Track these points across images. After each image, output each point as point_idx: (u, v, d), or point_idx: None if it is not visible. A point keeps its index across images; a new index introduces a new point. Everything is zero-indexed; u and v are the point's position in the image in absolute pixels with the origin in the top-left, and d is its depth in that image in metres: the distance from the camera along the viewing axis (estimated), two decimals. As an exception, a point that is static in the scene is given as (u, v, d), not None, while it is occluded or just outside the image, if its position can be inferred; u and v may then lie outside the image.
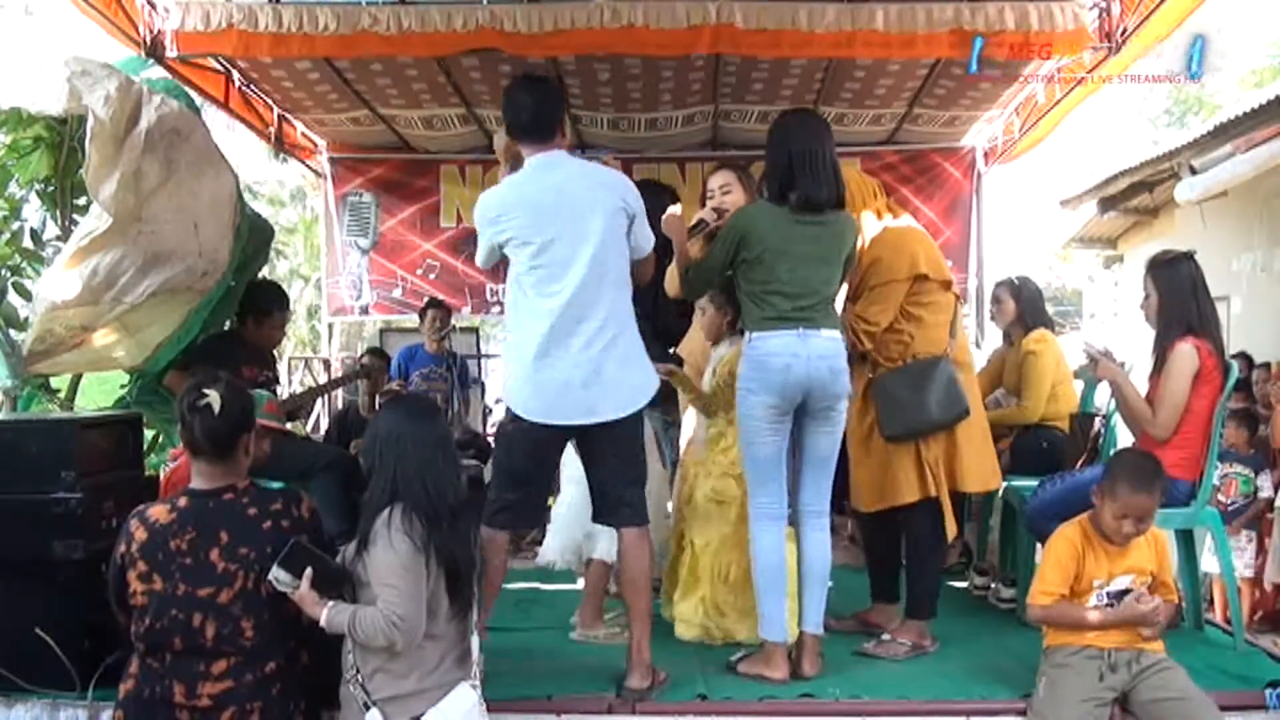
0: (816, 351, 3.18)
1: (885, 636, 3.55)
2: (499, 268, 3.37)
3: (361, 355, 6.18)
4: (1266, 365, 5.90)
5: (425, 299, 6.79)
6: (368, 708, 2.44)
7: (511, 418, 3.14)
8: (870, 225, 3.62)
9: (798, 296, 3.20)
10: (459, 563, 2.53)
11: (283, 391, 5.07)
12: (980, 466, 3.60)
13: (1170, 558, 3.11)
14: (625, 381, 3.09)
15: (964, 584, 4.48)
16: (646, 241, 3.22)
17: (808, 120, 3.51)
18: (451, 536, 2.52)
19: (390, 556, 2.45)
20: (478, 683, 2.58)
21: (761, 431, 3.24)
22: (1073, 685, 2.85)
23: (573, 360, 3.02)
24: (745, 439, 3.31)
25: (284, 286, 6.56)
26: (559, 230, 3.04)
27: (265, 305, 4.49)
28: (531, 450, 3.13)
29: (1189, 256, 3.55)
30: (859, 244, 3.45)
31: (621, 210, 3.10)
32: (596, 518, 3.28)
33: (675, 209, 3.47)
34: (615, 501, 3.18)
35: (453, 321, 6.42)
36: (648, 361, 3.19)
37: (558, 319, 3.02)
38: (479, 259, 3.26)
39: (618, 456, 3.15)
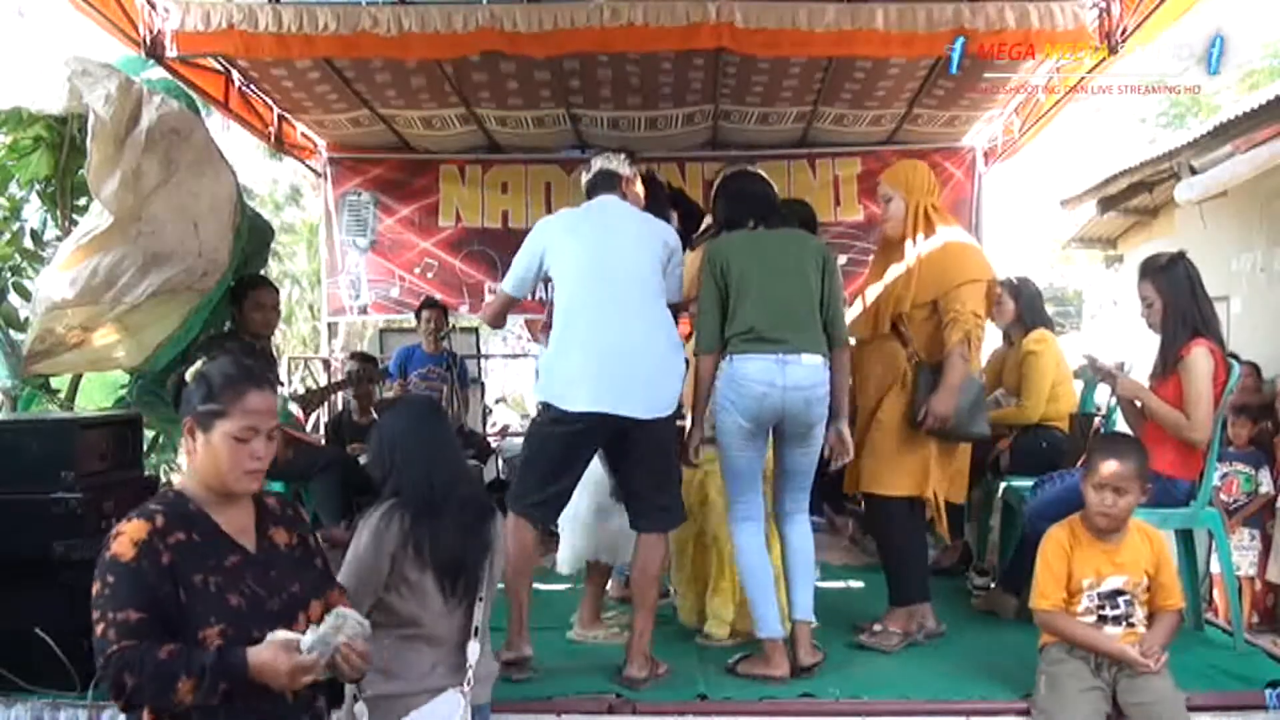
0: (794, 381, 3.19)
1: (877, 627, 3.58)
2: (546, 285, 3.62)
3: (345, 363, 6.10)
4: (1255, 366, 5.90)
5: (422, 298, 6.77)
6: (356, 699, 2.40)
7: (552, 415, 3.18)
8: (932, 221, 3.67)
9: (776, 315, 3.21)
10: (453, 555, 2.46)
11: (283, 391, 5.06)
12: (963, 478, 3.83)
13: (1171, 559, 3.10)
14: (666, 386, 3.22)
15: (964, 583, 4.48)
16: (676, 285, 3.41)
17: (735, 176, 3.63)
18: (446, 528, 2.46)
19: (353, 541, 2.49)
20: (467, 690, 2.47)
21: (737, 445, 3.31)
22: (1072, 678, 2.87)
23: (629, 359, 3.15)
24: (723, 449, 3.36)
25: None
26: (616, 255, 3.27)
27: (249, 284, 4.45)
28: (568, 445, 3.20)
29: (1182, 256, 3.57)
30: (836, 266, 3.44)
31: (661, 249, 3.35)
32: (633, 523, 3.30)
33: None
34: (649, 506, 3.25)
35: (452, 321, 6.39)
36: (680, 373, 3.32)
37: (617, 322, 3.19)
38: (510, 284, 3.43)
39: (653, 458, 3.23)
